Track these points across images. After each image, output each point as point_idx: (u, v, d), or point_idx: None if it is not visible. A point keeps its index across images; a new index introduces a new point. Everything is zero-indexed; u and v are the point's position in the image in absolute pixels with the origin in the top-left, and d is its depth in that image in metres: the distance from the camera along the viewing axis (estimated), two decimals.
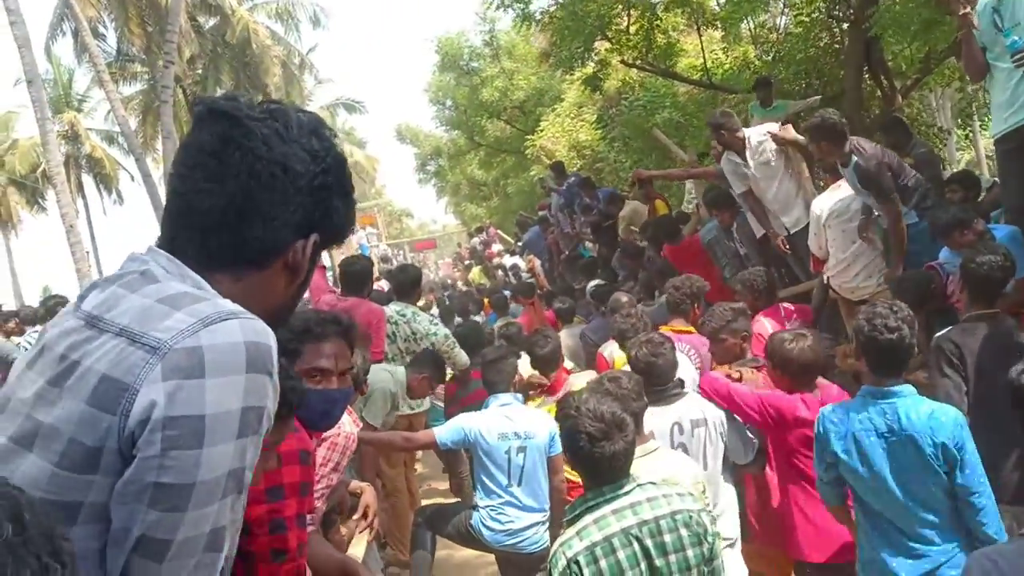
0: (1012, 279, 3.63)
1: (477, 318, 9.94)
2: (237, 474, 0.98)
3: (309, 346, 2.15)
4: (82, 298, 1.08)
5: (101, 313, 1.01)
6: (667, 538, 2.17)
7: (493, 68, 20.37)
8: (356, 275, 5.09)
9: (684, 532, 2.18)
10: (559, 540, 2.26)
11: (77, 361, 0.97)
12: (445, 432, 3.92)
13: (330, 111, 30.95)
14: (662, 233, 7.01)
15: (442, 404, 5.68)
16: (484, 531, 3.86)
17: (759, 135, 5.67)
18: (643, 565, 2.15)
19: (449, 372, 5.44)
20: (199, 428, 0.93)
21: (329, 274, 8.20)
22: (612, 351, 4.49)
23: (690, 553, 2.18)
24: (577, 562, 2.14)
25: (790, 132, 5.62)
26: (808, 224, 5.36)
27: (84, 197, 31.71)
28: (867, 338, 2.65)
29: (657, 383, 3.24)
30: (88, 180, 31.90)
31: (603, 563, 2.14)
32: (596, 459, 2.21)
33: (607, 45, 10.41)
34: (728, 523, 3.18)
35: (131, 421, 0.93)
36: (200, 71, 26.95)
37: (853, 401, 2.79)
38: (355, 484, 3.15)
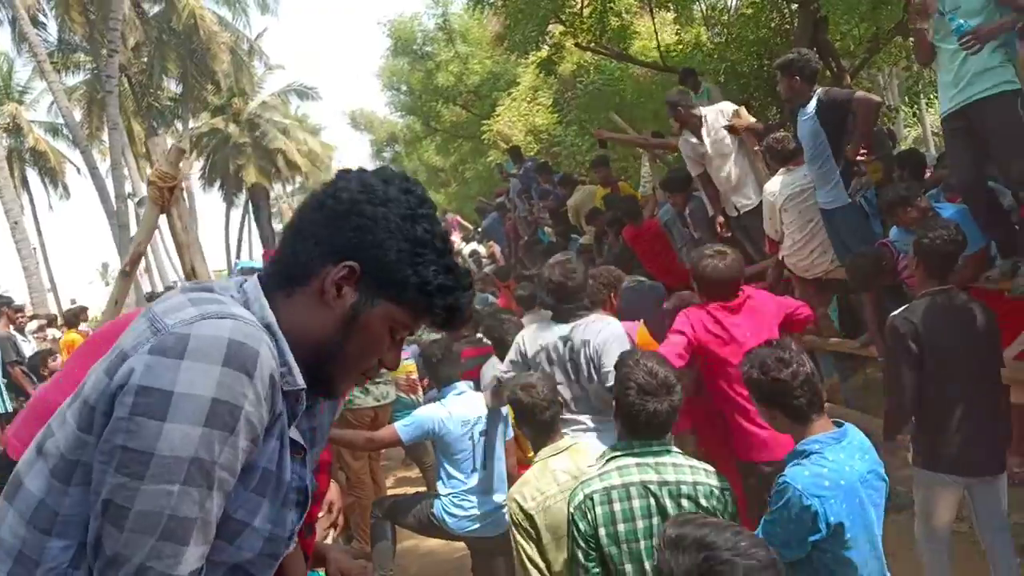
0: (962, 255, 3.74)
1: None
2: (204, 466, 1.01)
3: None
4: None
5: (153, 304, 1.14)
6: (684, 502, 2.23)
7: (447, 52, 20.17)
8: None
9: (703, 502, 2.24)
10: (581, 480, 2.34)
11: (120, 341, 1.11)
12: (407, 428, 3.91)
13: (282, 98, 30.44)
14: (624, 213, 7.04)
15: (407, 396, 5.63)
16: (447, 518, 3.89)
17: (715, 113, 5.74)
18: (656, 519, 2.21)
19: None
20: (165, 402, 0.99)
21: None
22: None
23: None
24: (592, 498, 2.23)
25: (745, 118, 5.68)
26: (758, 205, 5.47)
27: (29, 192, 30.81)
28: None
29: (567, 301, 3.44)
30: (32, 174, 30.98)
31: (616, 506, 2.22)
32: (637, 411, 2.28)
33: (561, 28, 10.38)
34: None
35: (113, 384, 1.03)
36: (146, 59, 26.26)
37: (821, 455, 2.23)
38: None
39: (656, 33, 10.70)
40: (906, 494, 4.24)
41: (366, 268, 1.17)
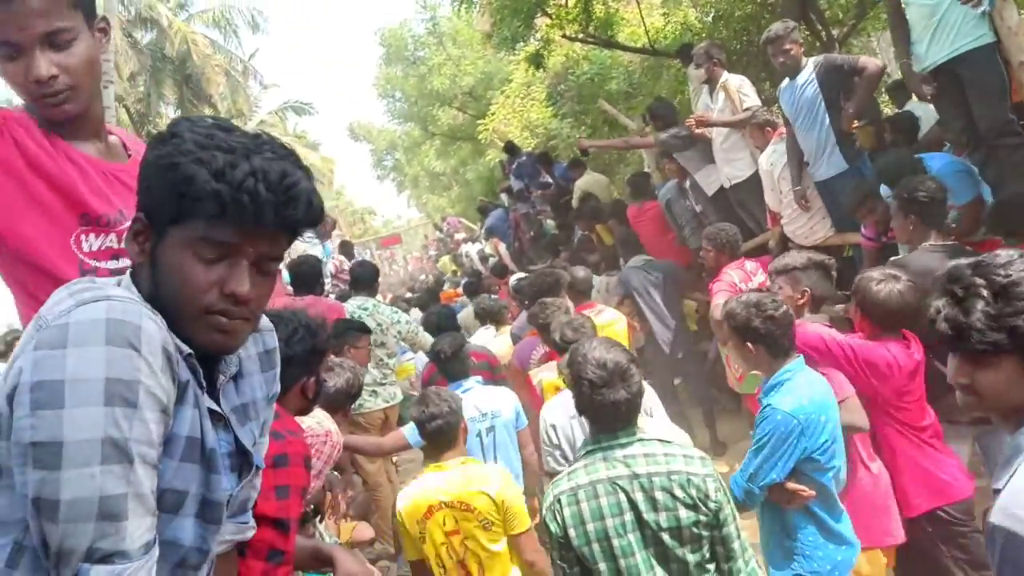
0: (958, 206, 3.73)
1: None
2: (118, 443, 1.02)
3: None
4: None
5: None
6: (658, 495, 2.15)
7: (439, 56, 20.25)
8: (306, 274, 5.09)
9: (679, 493, 2.15)
10: (556, 478, 2.31)
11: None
12: (413, 431, 3.84)
13: (279, 116, 30.52)
14: (636, 189, 7.19)
15: (415, 394, 5.65)
16: None
17: (738, 81, 5.75)
18: (628, 516, 2.15)
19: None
20: (59, 390, 1.00)
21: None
22: (542, 378, 4.07)
23: (682, 514, 2.15)
24: (560, 500, 2.21)
25: (732, 90, 5.67)
26: (748, 178, 5.55)
27: None
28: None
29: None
30: None
31: (584, 505, 2.18)
32: (597, 406, 2.22)
33: (547, 21, 10.37)
34: None
35: (7, 387, 1.04)
36: (142, 88, 26.45)
37: (802, 381, 2.65)
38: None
39: (643, 18, 10.68)
40: None
41: (145, 210, 1.17)
